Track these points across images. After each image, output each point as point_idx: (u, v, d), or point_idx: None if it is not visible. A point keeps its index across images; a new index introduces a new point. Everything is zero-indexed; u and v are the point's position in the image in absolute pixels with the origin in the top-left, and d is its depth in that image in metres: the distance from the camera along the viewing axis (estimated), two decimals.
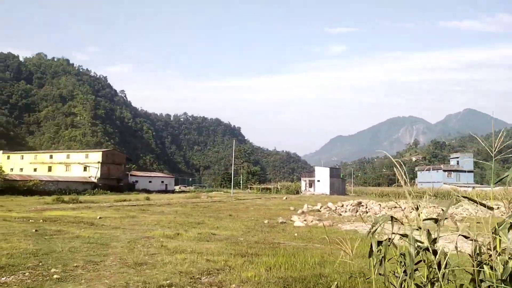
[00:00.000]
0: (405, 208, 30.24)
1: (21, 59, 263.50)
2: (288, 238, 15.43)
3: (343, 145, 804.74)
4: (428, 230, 3.51)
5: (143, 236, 13.99)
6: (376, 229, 3.84)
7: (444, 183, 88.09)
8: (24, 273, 7.89)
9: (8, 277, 7.57)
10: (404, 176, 3.75)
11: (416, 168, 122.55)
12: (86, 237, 13.09)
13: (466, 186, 78.34)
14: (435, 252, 3.38)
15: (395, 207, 30.30)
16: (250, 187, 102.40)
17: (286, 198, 50.81)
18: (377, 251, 3.72)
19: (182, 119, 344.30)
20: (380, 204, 31.66)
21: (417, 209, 3.72)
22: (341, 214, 28.15)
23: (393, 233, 3.80)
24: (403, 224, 3.92)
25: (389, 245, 3.74)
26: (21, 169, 77.15)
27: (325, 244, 13.98)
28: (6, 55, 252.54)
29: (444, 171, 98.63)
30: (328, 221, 22.22)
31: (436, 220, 3.53)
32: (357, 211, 29.15)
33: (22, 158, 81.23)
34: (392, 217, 3.86)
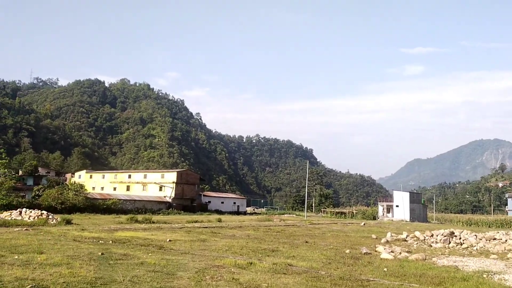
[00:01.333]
0: (506, 241, 26.24)
1: (106, 84, 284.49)
2: (378, 274, 13.12)
3: (421, 168, 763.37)
4: None
5: (212, 265, 12.51)
6: None
7: None
8: None
9: None
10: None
11: (507, 195, 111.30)
12: (152, 263, 11.87)
13: None
14: None
15: (494, 238, 26.47)
16: (324, 211, 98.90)
17: (364, 224, 47.44)
18: None
19: (254, 141, 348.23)
20: (476, 235, 27.76)
21: None
22: (431, 245, 24.88)
23: None
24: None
25: None
26: (102, 188, 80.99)
27: (424, 284, 11.60)
28: (93, 81, 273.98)
29: None
30: (420, 253, 19.35)
31: None
32: (449, 242, 25.63)
33: (103, 177, 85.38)
34: None
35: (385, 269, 14.16)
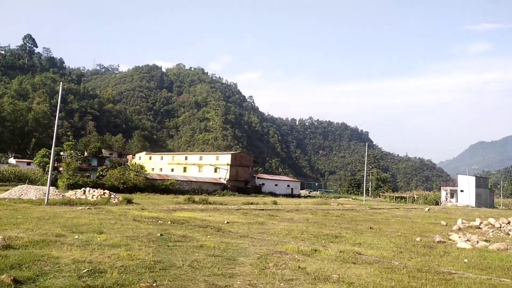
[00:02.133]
0: None
1: (163, 69, 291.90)
2: (459, 266, 11.72)
3: (485, 152, 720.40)
4: None
5: (274, 251, 11.71)
6: None
7: None
8: None
9: None
10: None
11: None
12: (211, 247, 11.27)
13: None
14: None
15: None
16: (382, 195, 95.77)
17: (428, 210, 44.87)
18: None
19: (307, 124, 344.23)
20: None
21: None
22: (509, 234, 22.66)
23: None
24: None
25: None
26: (161, 169, 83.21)
27: None
28: (151, 67, 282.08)
29: None
30: (501, 243, 17.48)
31: None
32: None
33: (162, 159, 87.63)
34: None
35: (466, 260, 12.70)
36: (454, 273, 10.48)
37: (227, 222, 18.69)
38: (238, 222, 19.25)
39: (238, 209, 29.17)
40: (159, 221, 17.28)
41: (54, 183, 49.00)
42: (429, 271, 10.50)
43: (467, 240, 17.42)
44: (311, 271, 9.21)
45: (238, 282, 7.71)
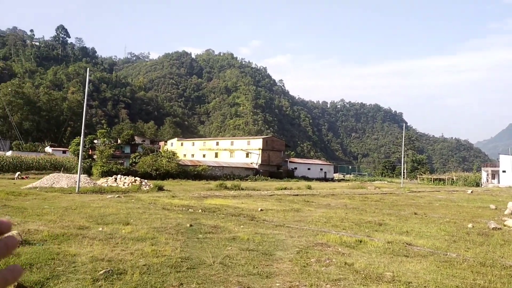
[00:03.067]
0: None
1: (193, 56, 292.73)
2: None
3: None
4: None
5: (315, 242, 10.57)
6: None
7: None
8: None
9: None
10: None
11: None
12: (245, 239, 10.25)
13: None
14: None
15: None
16: (419, 177, 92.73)
17: (472, 192, 42.52)
18: None
19: (339, 106, 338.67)
20: None
21: None
22: None
23: None
24: None
25: None
26: (192, 155, 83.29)
27: None
28: (181, 53, 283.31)
29: None
30: None
31: None
32: None
33: (193, 145, 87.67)
34: None
35: None
36: None
37: (261, 210, 17.68)
38: (273, 210, 18.20)
39: (271, 195, 28.16)
40: (190, 210, 16.46)
41: (89, 171, 49.57)
42: (494, 265, 9.13)
43: None
44: (360, 267, 8.04)
45: (278, 284, 6.65)
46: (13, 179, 38.84)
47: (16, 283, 5.39)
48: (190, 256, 8.01)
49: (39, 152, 72.58)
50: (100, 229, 10.37)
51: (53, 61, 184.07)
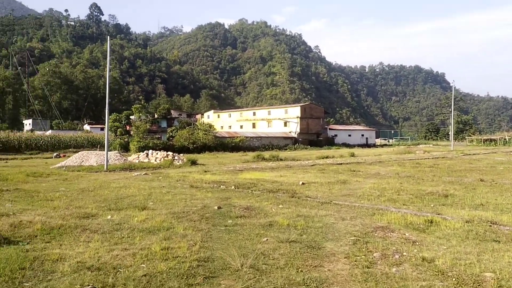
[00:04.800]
0: None
1: (226, 26, 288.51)
2: None
3: None
4: None
5: (373, 226, 8.31)
6: None
7: None
8: None
9: None
10: None
11: None
12: (285, 225, 8.15)
13: None
14: None
15: None
16: (468, 139, 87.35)
17: None
18: None
19: (378, 70, 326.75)
20: None
21: None
22: None
23: None
24: None
25: None
26: (230, 127, 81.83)
27: None
28: (214, 25, 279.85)
29: None
30: None
31: None
32: None
33: (230, 116, 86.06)
34: None
35: None
36: None
37: (302, 183, 15.53)
38: (316, 183, 16.00)
39: (313, 165, 25.92)
40: (221, 186, 14.54)
41: (126, 147, 49.04)
42: None
43: None
44: (445, 266, 5.76)
45: None
46: (51, 158, 38.63)
47: None
48: (211, 256, 6.00)
49: (77, 130, 73.27)
50: (109, 217, 8.58)
51: (88, 40, 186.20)
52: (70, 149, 48.68)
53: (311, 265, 5.75)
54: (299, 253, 6.28)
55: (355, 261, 6.01)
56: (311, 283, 5.05)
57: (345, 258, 6.15)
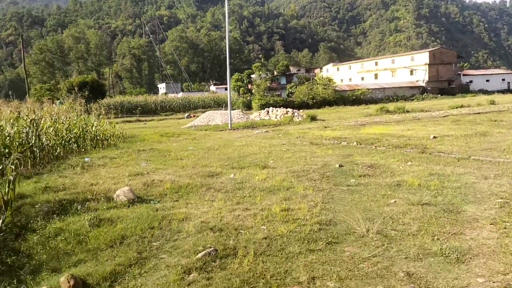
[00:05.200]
0: None
1: None
2: None
3: None
4: None
5: None
6: None
7: None
8: None
9: None
10: None
11: None
12: (415, 185, 7.37)
13: None
14: None
15: None
16: None
17: None
18: None
19: None
20: None
21: None
22: None
23: None
24: None
25: None
26: (350, 79, 78.90)
27: None
28: None
29: None
30: None
31: None
32: None
33: (350, 68, 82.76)
34: None
35: None
36: None
37: (434, 137, 14.09)
38: (450, 136, 14.40)
39: (445, 116, 23.54)
40: (342, 142, 13.94)
41: (249, 105, 50.75)
42: None
43: None
44: None
45: (480, 280, 3.87)
46: (183, 118, 41.84)
47: (72, 280, 3.85)
48: (333, 218, 5.66)
49: (204, 91, 77.80)
50: (232, 175, 8.75)
51: (210, 3, 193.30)
52: (199, 109, 52.11)
53: (449, 232, 5.05)
54: (434, 217, 5.58)
55: (504, 228, 5.12)
56: (451, 254, 4.40)
57: (491, 224, 5.29)
